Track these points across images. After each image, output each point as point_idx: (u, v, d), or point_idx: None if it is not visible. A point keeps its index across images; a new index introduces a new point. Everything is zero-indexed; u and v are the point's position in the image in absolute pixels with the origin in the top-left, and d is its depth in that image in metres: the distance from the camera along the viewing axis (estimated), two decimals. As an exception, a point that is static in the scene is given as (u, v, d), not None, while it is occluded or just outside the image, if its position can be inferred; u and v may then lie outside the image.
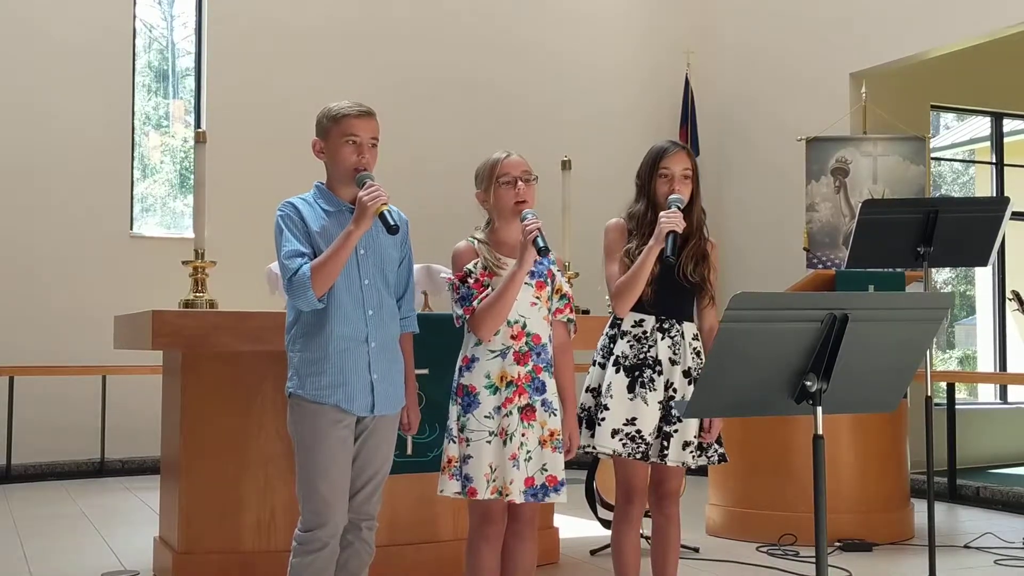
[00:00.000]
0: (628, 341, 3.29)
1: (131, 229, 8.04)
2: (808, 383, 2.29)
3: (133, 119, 8.08)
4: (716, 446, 3.33)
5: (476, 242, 3.11)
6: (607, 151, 8.57)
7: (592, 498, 5.01)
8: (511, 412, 3.00)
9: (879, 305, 2.31)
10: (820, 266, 7.37)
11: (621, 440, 3.21)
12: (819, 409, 2.30)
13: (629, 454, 3.20)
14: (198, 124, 8.10)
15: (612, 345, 3.33)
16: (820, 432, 2.32)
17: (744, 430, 5.00)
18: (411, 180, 7.69)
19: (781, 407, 2.34)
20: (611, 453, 3.23)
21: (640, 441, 3.21)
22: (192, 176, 7.05)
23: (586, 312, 4.72)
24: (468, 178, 3.23)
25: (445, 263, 3.44)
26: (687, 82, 8.85)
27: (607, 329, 3.39)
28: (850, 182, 7.52)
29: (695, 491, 5.38)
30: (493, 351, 3.03)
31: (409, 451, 4.04)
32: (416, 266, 4.33)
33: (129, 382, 7.46)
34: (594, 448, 3.25)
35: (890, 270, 5.10)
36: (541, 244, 2.89)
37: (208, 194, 4.33)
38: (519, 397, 3.01)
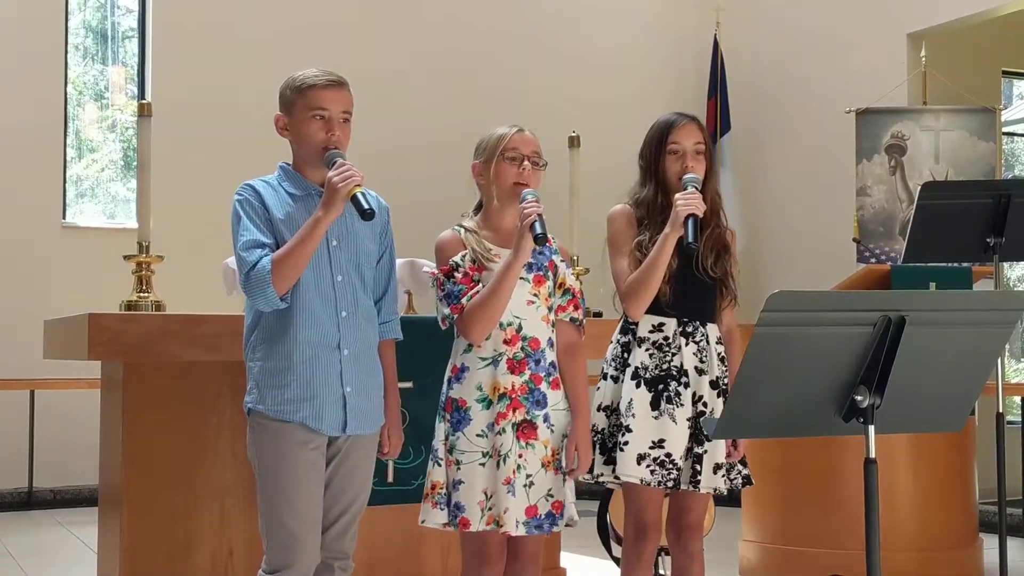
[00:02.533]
0: (647, 349, 3.29)
1: (64, 218, 8.03)
2: (858, 398, 2.30)
3: (66, 88, 8.07)
4: (739, 466, 3.35)
5: (463, 231, 3.12)
6: (622, 125, 8.55)
7: (605, 533, 5.00)
8: (504, 429, 3.00)
9: (941, 306, 2.31)
10: (872, 260, 7.37)
11: (648, 466, 3.21)
12: (871, 428, 2.30)
13: (659, 482, 3.21)
14: (142, 95, 8.08)
15: (627, 354, 3.33)
16: (872, 455, 2.32)
17: (783, 453, 5.00)
18: (394, 163, 7.68)
19: (827, 426, 2.34)
20: (638, 482, 3.23)
21: (671, 466, 3.22)
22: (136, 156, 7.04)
23: (598, 315, 4.71)
24: (461, 162, 3.23)
25: (432, 258, 3.44)
26: (716, 44, 8.84)
27: (617, 335, 3.39)
28: (908, 161, 7.52)
29: (726, 525, 5.37)
30: (484, 358, 3.04)
31: (390, 478, 4.04)
32: (398, 261, 4.33)
33: (62, 398, 7.45)
34: (617, 478, 3.25)
35: (955, 265, 5.10)
36: (539, 230, 2.89)
37: (155, 177, 4.32)
38: (513, 412, 3.02)
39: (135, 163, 6.61)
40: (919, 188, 4.08)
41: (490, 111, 7.38)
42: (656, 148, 3.33)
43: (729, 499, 3.50)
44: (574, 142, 5.06)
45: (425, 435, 3.44)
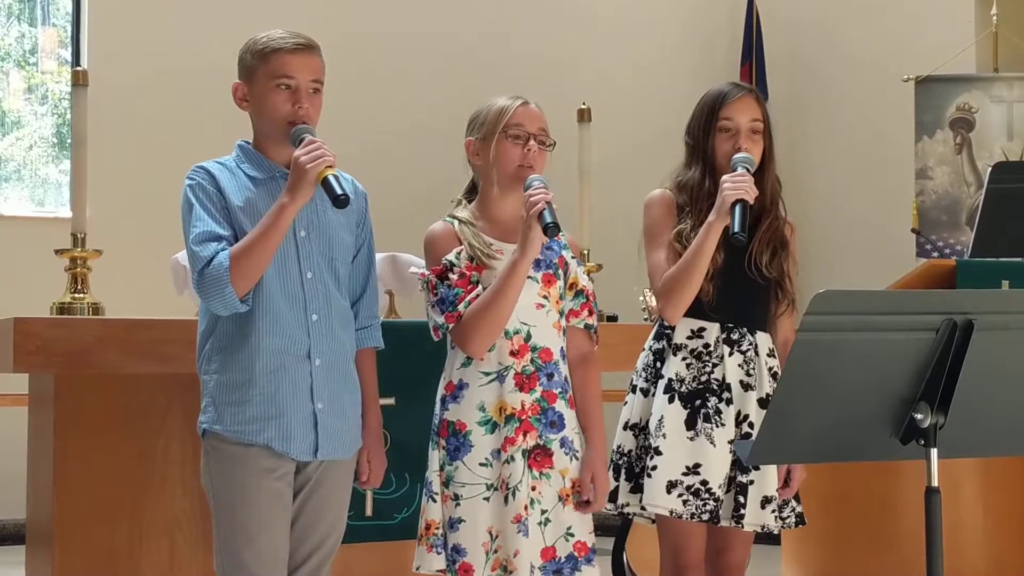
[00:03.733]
0: (684, 358, 3.29)
1: (-16, 206, 8.03)
2: (918, 416, 2.30)
3: (-12, 54, 8.06)
4: (793, 502, 3.34)
5: (457, 223, 3.11)
6: (642, 97, 8.56)
7: (622, 574, 5.00)
8: (512, 457, 2.99)
9: (1016, 308, 2.31)
10: (935, 254, 7.37)
11: (681, 495, 3.20)
12: (934, 452, 2.31)
13: (693, 515, 3.20)
14: (76, 61, 8.08)
15: (660, 364, 3.32)
16: (935, 483, 2.33)
17: (830, 481, 4.99)
18: (372, 139, 7.67)
19: (880, 450, 2.35)
20: (668, 514, 3.22)
21: (707, 496, 3.20)
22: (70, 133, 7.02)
23: (612, 319, 4.71)
24: (452, 138, 3.23)
25: (418, 251, 3.44)
26: (751, 1, 8.84)
27: (651, 341, 3.39)
28: (976, 138, 7.51)
29: (763, 564, 5.37)
30: (487, 373, 3.03)
31: (369, 511, 4.03)
32: (379, 256, 4.32)
33: (-17, 416, 7.44)
34: (642, 509, 3.26)
35: (1032, 260, 5.09)
36: (549, 220, 2.89)
37: (92, 157, 4.33)
38: (524, 437, 3.00)
39: (69, 141, 6.60)
40: (989, 169, 4.08)
41: (484, 76, 7.38)
42: (705, 124, 3.34)
43: (766, 534, 3.50)
44: (584, 115, 5.05)
45: (409, 460, 3.44)
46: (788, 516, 3.33)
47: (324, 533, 3.04)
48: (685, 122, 3.43)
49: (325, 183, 2.87)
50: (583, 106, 5.08)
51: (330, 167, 2.88)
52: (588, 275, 4.69)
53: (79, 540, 3.91)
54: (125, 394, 3.93)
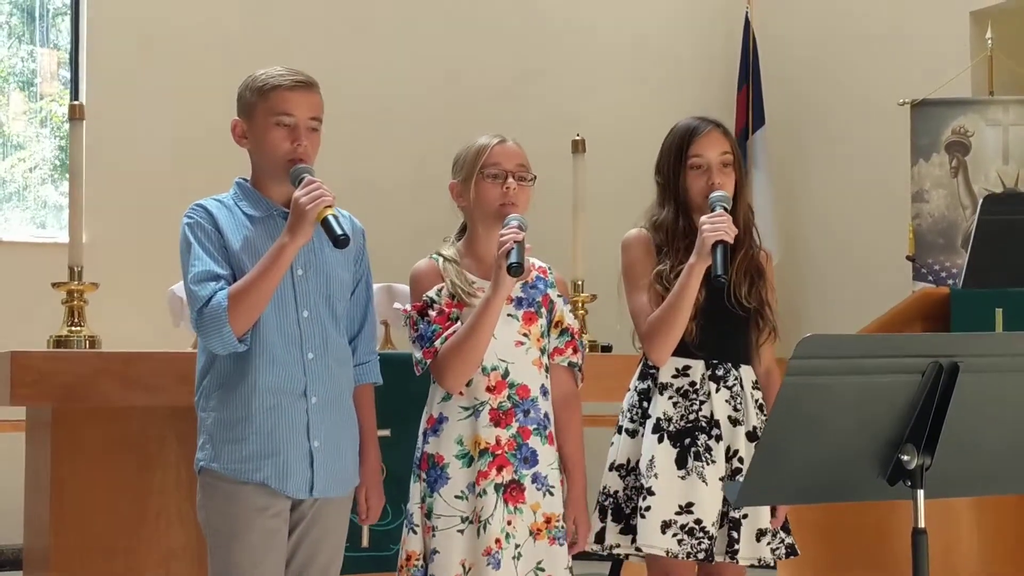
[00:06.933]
0: (670, 397, 3.29)
1: (-16, 230, 8.03)
2: (905, 458, 2.31)
3: (-12, 76, 8.07)
4: (782, 534, 3.35)
5: (441, 260, 3.14)
6: (634, 124, 8.55)
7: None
8: (485, 491, 3.02)
9: (1002, 350, 2.33)
10: (930, 278, 7.36)
11: (675, 535, 3.20)
12: (920, 493, 2.32)
13: (689, 554, 3.20)
14: (75, 83, 8.07)
15: (647, 404, 3.32)
16: (922, 525, 2.34)
17: (824, 511, 4.97)
18: (371, 171, 7.66)
19: (868, 490, 2.36)
20: (663, 554, 3.21)
21: (701, 535, 3.20)
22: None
23: (607, 349, 4.72)
24: (446, 171, 3.25)
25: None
26: (748, 24, 8.86)
27: (636, 382, 3.39)
28: (971, 161, 7.50)
29: (759, 592, 5.36)
30: (465, 408, 3.07)
31: (365, 543, 4.04)
32: (374, 287, 4.33)
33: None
34: (638, 550, 3.25)
35: (1026, 288, 5.10)
36: (514, 260, 2.89)
37: (91, 185, 4.34)
38: (498, 471, 3.03)
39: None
40: (981, 202, 4.09)
41: (482, 110, 7.39)
42: (675, 162, 3.32)
43: (762, 565, 3.50)
44: (579, 147, 5.05)
45: (405, 491, 3.44)
46: (778, 548, 3.34)
47: (321, 571, 3.05)
48: (657, 159, 3.41)
49: (325, 223, 2.89)
50: (577, 137, 5.09)
51: (329, 207, 2.89)
52: (583, 304, 4.74)
53: (76, 569, 3.91)
54: (121, 426, 3.94)
